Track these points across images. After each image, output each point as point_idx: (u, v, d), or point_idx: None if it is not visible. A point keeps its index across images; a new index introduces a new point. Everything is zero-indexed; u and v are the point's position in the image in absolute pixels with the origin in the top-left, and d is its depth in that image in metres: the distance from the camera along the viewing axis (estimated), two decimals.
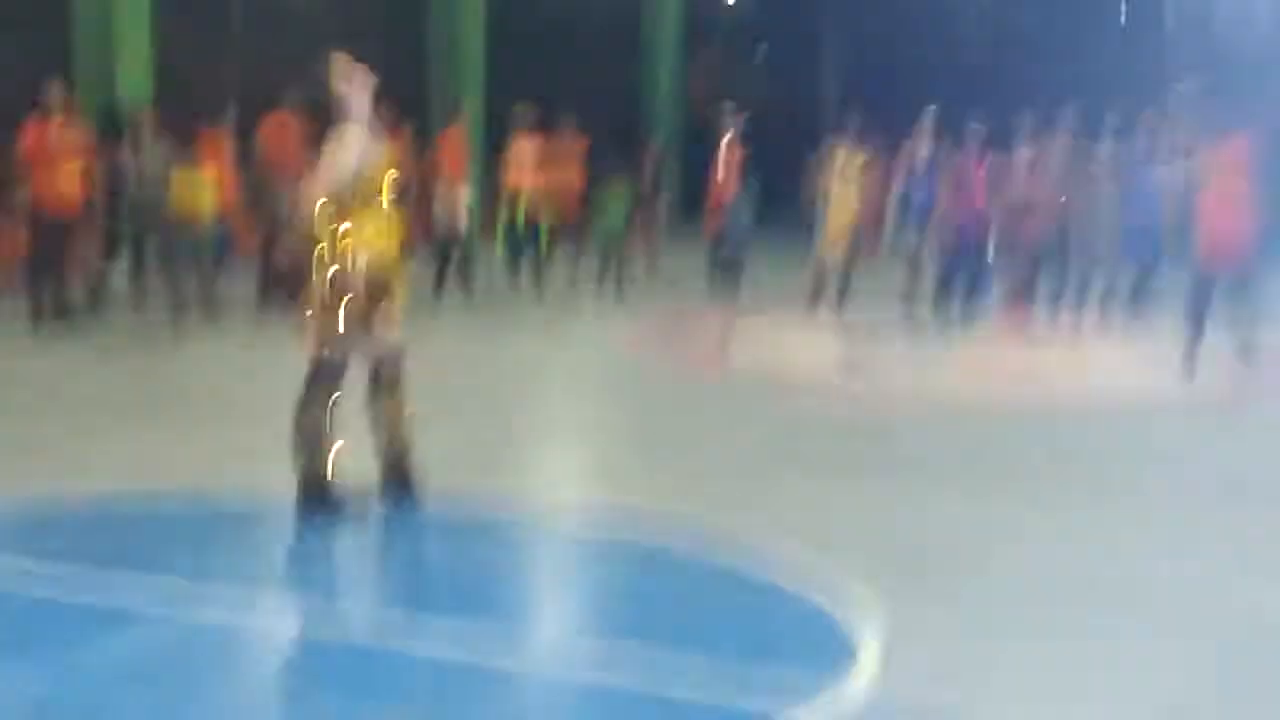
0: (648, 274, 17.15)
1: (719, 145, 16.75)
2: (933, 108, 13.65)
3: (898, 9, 28.50)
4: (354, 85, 6.43)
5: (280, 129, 14.01)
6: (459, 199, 14.70)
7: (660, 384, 10.84)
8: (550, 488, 7.63)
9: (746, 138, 17.00)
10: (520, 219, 15.86)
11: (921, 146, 13.61)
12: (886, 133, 14.63)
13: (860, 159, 13.97)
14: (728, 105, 15.31)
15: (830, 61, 30.31)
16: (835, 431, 8.87)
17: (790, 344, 12.67)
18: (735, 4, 29.38)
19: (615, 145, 19.49)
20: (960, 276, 12.89)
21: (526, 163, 15.83)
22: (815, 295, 13.81)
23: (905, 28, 28.67)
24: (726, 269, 13.96)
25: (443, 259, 14.65)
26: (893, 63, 27.97)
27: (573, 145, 16.62)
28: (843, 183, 13.90)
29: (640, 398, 10.27)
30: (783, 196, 16.86)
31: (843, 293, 13.86)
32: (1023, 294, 13.22)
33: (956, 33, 28.76)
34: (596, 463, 8.30)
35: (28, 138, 11.96)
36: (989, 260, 12.77)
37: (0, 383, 10.04)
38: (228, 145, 13.71)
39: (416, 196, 14.08)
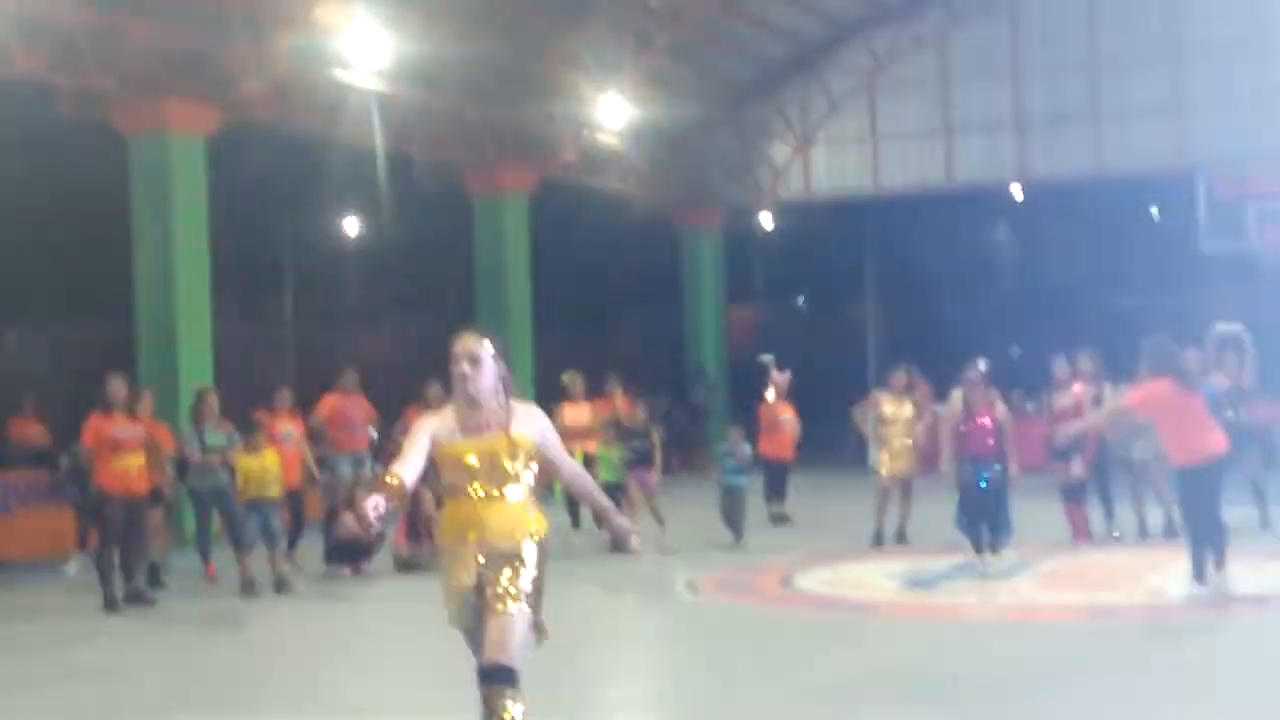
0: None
1: (771, 385, 17.49)
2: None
3: (935, 255, 29.26)
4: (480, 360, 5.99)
5: (338, 406, 14.81)
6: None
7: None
8: None
9: (792, 390, 17.59)
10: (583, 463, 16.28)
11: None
12: (930, 375, 15.17)
13: (907, 405, 14.74)
14: (768, 358, 15.97)
15: (870, 306, 30.96)
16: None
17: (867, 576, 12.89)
18: (773, 257, 30.18)
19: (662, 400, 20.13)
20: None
21: (577, 430, 16.28)
22: (879, 523, 14.71)
23: (943, 273, 29.38)
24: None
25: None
26: (932, 306, 28.61)
27: (623, 408, 17.04)
28: (890, 424, 14.90)
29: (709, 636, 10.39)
30: (826, 440, 17.32)
31: (904, 521, 14.81)
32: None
33: (992, 278, 29.44)
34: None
35: (91, 429, 12.44)
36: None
37: (74, 674, 10.18)
38: (292, 424, 14.26)
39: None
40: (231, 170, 17.89)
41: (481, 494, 5.89)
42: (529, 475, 5.95)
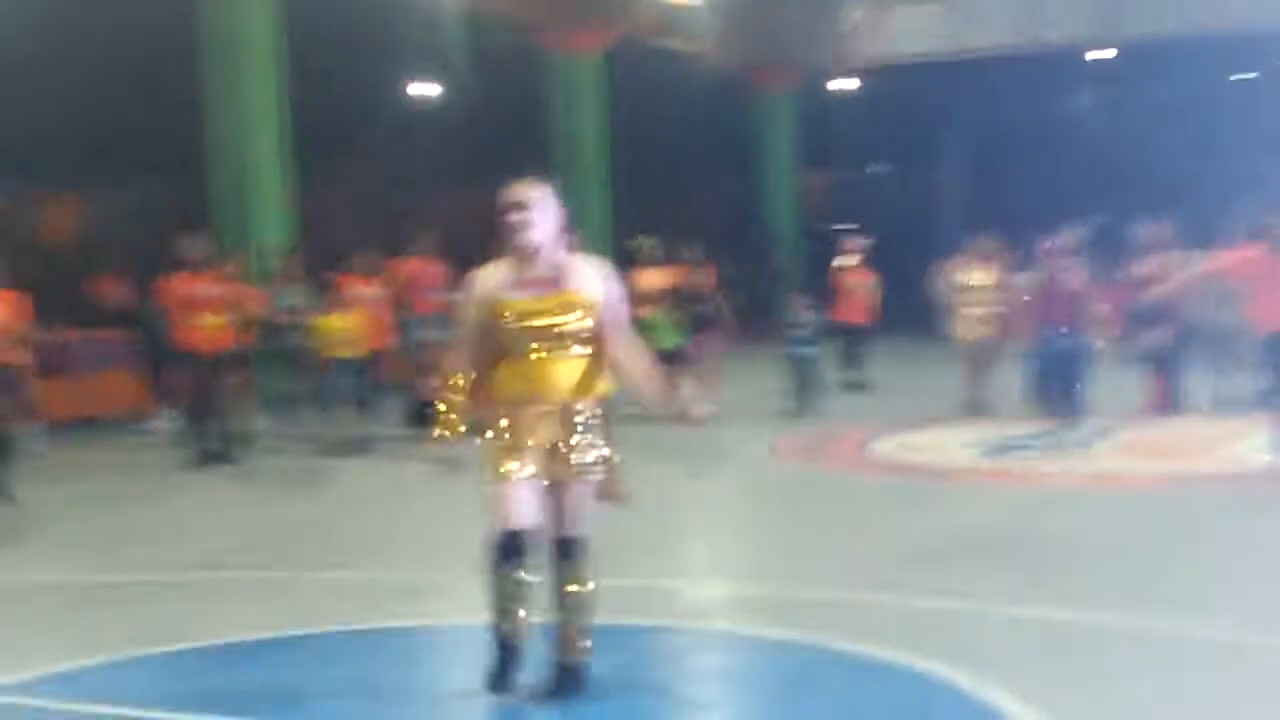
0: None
1: (844, 251, 17.34)
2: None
3: (1018, 120, 28.70)
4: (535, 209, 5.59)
5: (415, 270, 14.82)
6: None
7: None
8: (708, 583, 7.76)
9: (869, 256, 17.44)
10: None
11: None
12: (1007, 242, 14.90)
13: (989, 272, 14.47)
14: (848, 228, 15.80)
15: (949, 172, 30.52)
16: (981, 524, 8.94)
17: (945, 442, 12.84)
18: (850, 122, 29.74)
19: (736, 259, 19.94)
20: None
21: (652, 294, 16.21)
22: (970, 390, 14.52)
23: (1026, 138, 28.83)
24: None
25: None
26: (1014, 172, 28.13)
27: (700, 272, 16.93)
28: (972, 291, 14.66)
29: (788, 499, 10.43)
30: (903, 308, 17.16)
31: (984, 389, 14.54)
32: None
33: (1077, 142, 28.83)
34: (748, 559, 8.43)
35: (177, 287, 12.54)
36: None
37: (158, 527, 10.39)
38: (370, 287, 14.24)
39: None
40: (308, 32, 17.74)
41: (543, 353, 5.55)
42: (594, 332, 5.60)
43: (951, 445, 12.81)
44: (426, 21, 19.96)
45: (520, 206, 5.54)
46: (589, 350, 5.63)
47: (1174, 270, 13.56)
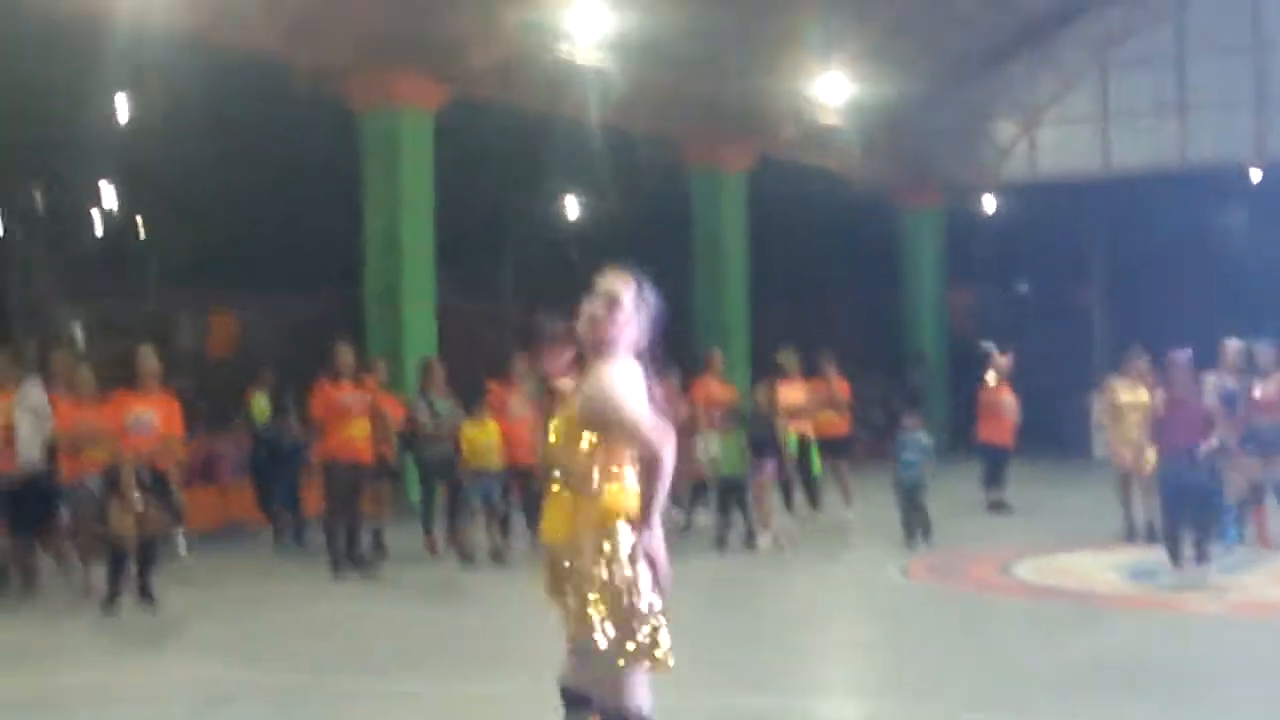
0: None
1: (992, 369, 17.10)
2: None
3: (1165, 240, 28.27)
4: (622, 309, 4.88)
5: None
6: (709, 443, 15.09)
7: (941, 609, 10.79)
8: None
9: (1013, 376, 17.22)
10: (795, 447, 16.25)
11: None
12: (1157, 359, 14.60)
13: (1143, 392, 13.88)
14: (988, 345, 15.43)
15: (1096, 291, 30.12)
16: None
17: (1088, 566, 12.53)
18: (996, 239, 29.54)
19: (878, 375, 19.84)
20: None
21: (792, 409, 16.21)
22: (1128, 515, 13.85)
23: (1173, 258, 28.35)
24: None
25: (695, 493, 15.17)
26: (1161, 292, 27.64)
27: (837, 388, 16.86)
28: (1129, 412, 13.94)
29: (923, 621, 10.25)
30: (1043, 428, 16.89)
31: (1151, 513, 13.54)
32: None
33: (1225, 263, 28.28)
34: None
35: (319, 396, 12.83)
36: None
37: (297, 631, 10.54)
38: (516, 398, 14.35)
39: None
40: (457, 143, 18.23)
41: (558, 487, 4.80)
42: (602, 460, 4.68)
43: (1095, 569, 12.50)
44: (575, 136, 20.35)
45: (603, 299, 4.88)
46: (601, 483, 4.71)
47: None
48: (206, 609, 11.27)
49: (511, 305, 24.68)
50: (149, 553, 11.10)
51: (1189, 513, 11.34)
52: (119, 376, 11.66)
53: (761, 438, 14.24)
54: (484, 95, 18.42)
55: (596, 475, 4.66)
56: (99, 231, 23.44)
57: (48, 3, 14.30)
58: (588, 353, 4.85)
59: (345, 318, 17.65)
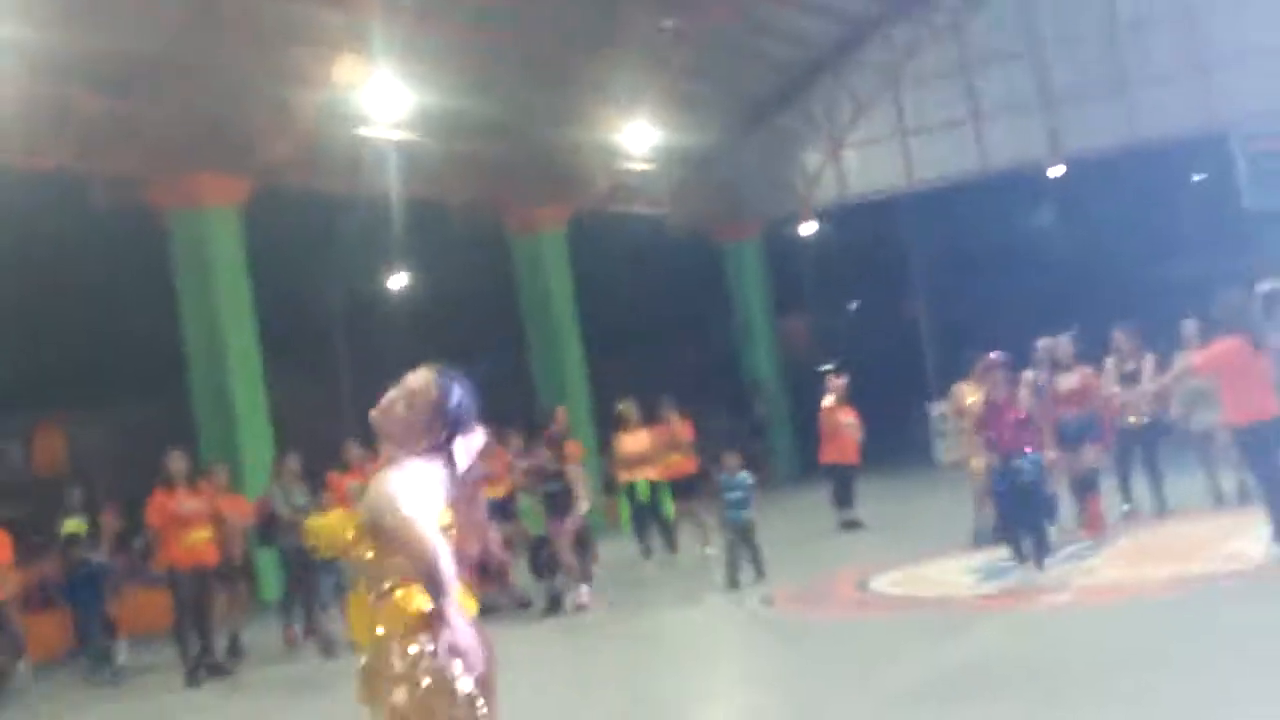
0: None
1: (829, 391, 17.41)
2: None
3: (979, 243, 29.11)
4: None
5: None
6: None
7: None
8: None
9: (852, 394, 17.54)
10: (645, 494, 16.38)
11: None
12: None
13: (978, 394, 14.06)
14: (824, 367, 15.60)
15: (921, 301, 30.81)
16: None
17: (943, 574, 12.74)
18: (817, 264, 30.09)
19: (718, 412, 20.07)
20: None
21: (636, 457, 16.35)
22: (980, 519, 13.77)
23: (989, 260, 29.20)
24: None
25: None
26: (982, 294, 28.43)
27: (680, 431, 17.02)
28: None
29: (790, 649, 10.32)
30: (887, 439, 17.20)
31: None
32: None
33: (1039, 259, 29.23)
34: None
35: (154, 506, 12.55)
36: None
37: None
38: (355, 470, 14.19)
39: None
40: (268, 235, 18.03)
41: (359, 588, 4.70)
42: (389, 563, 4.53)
43: (949, 575, 12.72)
44: (388, 213, 20.26)
45: (396, 391, 4.75)
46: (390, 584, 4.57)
47: (1096, 382, 13.54)
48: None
49: (347, 389, 24.43)
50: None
51: (1022, 511, 11.59)
52: None
53: (555, 495, 13.82)
54: (289, 184, 18.25)
55: (388, 578, 4.53)
56: None
57: None
58: (383, 444, 4.71)
59: (177, 423, 17.30)
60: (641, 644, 11.76)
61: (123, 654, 13.91)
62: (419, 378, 4.75)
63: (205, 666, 12.39)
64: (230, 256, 17.55)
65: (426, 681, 4.42)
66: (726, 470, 13.88)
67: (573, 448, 15.50)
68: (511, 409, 18.30)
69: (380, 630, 4.52)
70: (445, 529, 4.52)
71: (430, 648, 4.42)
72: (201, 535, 12.53)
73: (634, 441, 16.67)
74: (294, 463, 13.79)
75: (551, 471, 13.97)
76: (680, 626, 12.48)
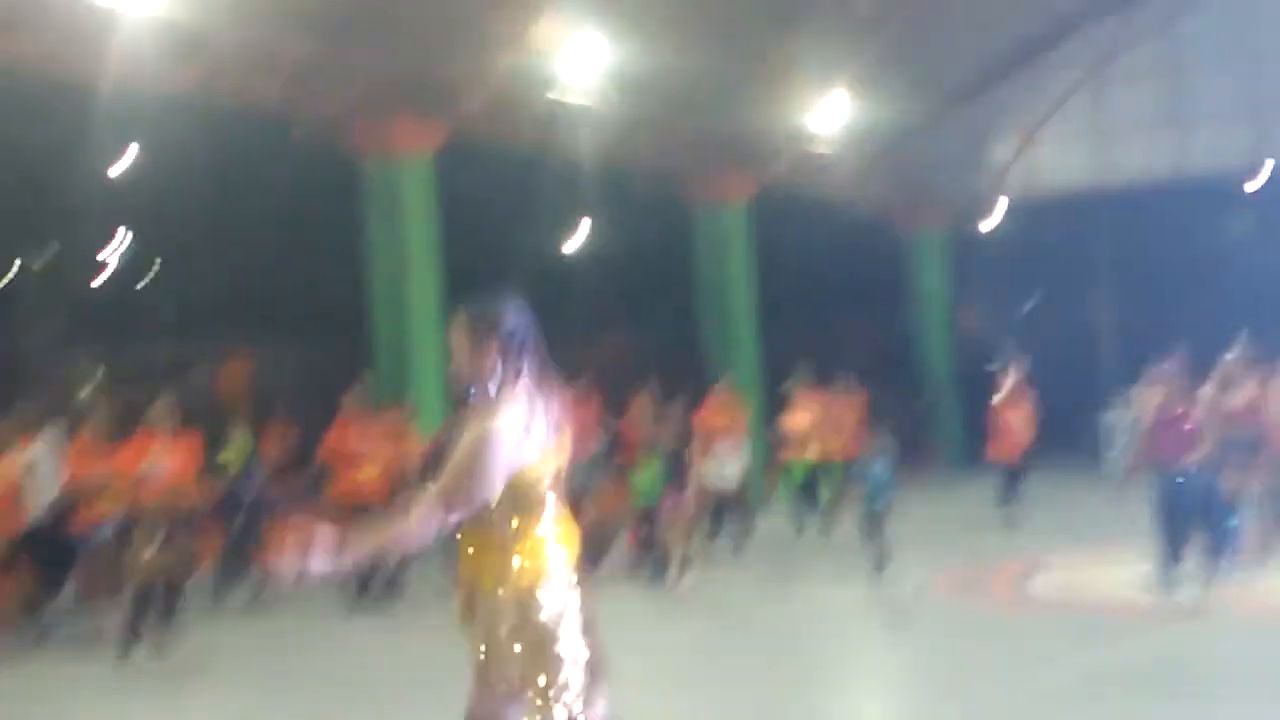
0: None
1: (999, 387, 17.21)
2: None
3: (1167, 250, 28.37)
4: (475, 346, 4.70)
5: (573, 402, 15.05)
6: (729, 457, 15.24)
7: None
8: None
9: (1030, 378, 17.33)
10: (803, 473, 16.42)
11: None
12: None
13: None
14: (996, 363, 15.43)
15: (1102, 302, 30.19)
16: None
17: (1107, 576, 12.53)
18: (1002, 258, 29.64)
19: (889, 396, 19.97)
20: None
21: (800, 435, 16.39)
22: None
23: (1176, 268, 28.44)
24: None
25: (717, 514, 15.16)
26: (1166, 301, 27.71)
27: (851, 400, 17.07)
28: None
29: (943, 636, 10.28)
30: (1058, 441, 16.93)
31: None
32: None
33: (1228, 270, 28.35)
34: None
35: (328, 440, 12.94)
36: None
37: (317, 679, 10.61)
38: None
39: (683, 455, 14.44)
40: (457, 187, 18.37)
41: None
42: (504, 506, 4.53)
43: (1113, 581, 12.52)
44: (574, 175, 20.49)
45: (458, 334, 4.75)
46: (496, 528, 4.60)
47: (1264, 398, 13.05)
48: (227, 650, 11.36)
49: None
50: (168, 599, 11.17)
51: (1190, 523, 11.19)
52: (132, 425, 11.75)
53: (674, 468, 13.77)
54: (482, 137, 18.56)
55: (503, 518, 4.53)
56: (109, 284, 23.70)
57: (46, 65, 14.45)
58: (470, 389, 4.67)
59: (356, 363, 17.75)
60: (785, 624, 11.79)
61: (269, 583, 14.04)
62: (474, 308, 4.74)
63: (365, 599, 12.73)
64: (420, 203, 17.90)
65: (531, 620, 4.48)
66: (864, 459, 13.49)
67: (724, 419, 15.62)
68: (680, 378, 18.46)
69: (490, 564, 4.54)
70: (541, 470, 4.57)
71: (539, 591, 4.48)
72: (370, 473, 12.87)
73: (799, 419, 16.74)
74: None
75: (672, 444, 13.90)
76: (835, 607, 12.47)
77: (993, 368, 18.32)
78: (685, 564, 13.42)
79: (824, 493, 16.48)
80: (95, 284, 23.37)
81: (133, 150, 18.95)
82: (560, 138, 19.17)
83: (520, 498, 4.52)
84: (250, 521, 14.18)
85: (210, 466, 14.29)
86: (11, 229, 20.58)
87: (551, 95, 18.40)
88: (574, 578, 4.60)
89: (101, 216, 21.43)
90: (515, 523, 4.51)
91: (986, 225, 28.05)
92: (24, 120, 15.76)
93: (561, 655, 4.47)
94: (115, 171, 19.14)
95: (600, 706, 4.58)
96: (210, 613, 13.05)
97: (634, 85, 19.17)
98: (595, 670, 4.57)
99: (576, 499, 13.75)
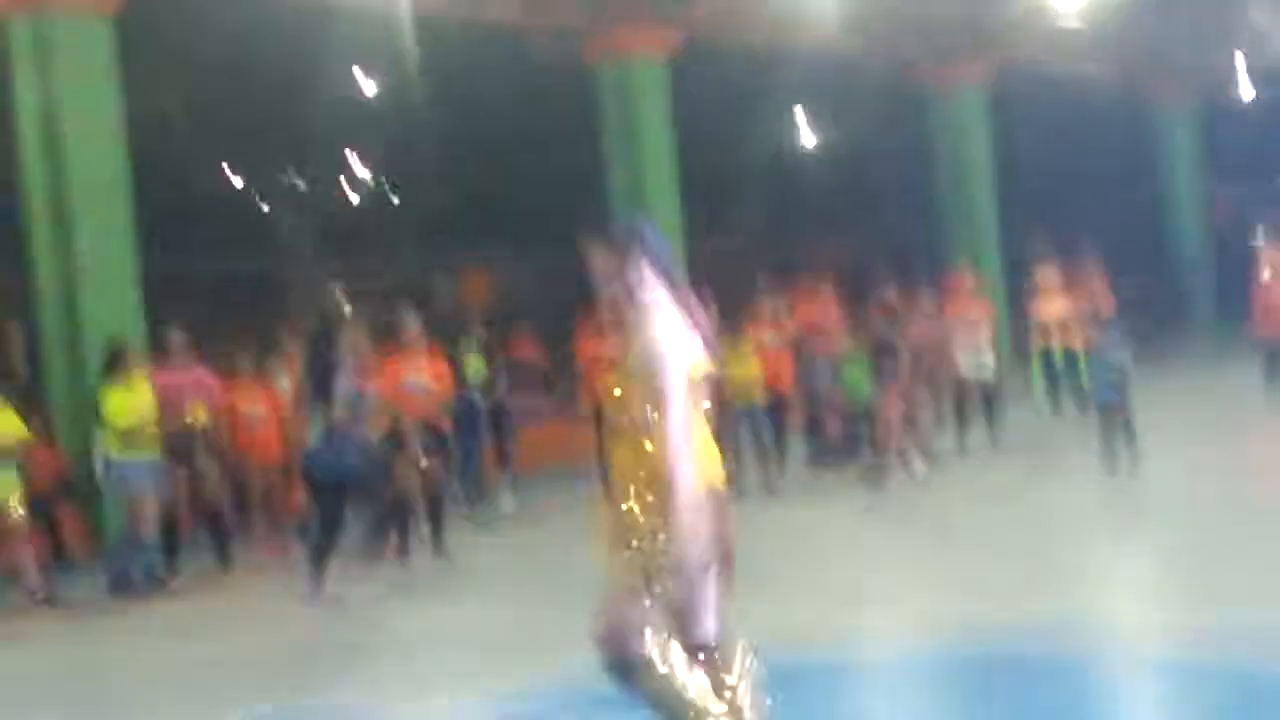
0: None
1: (1264, 264, 16.46)
2: None
3: None
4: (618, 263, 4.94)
5: (813, 300, 14.99)
6: (980, 341, 15.00)
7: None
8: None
9: None
10: (1054, 348, 16.08)
11: None
12: None
13: None
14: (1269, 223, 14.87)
15: None
16: None
17: None
18: (1257, 129, 28.19)
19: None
20: None
21: (1053, 323, 15.99)
22: None
23: None
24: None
25: (960, 402, 14.95)
26: None
27: (1096, 273, 16.60)
28: None
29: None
30: None
31: None
32: None
33: None
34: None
35: (584, 347, 13.11)
36: None
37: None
38: (773, 331, 14.41)
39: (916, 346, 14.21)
40: (691, 89, 18.29)
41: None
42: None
43: None
44: (806, 67, 20.16)
45: (595, 260, 5.02)
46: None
47: None
48: (503, 555, 11.72)
49: (758, 238, 24.64)
50: (436, 509, 11.51)
51: None
52: (382, 343, 12.07)
53: (883, 362, 13.43)
54: (712, 37, 18.40)
55: (646, 434, 4.64)
56: (352, 204, 24.37)
57: None
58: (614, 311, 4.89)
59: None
60: (1027, 509, 11.54)
61: (508, 499, 14.26)
62: (616, 228, 5.05)
63: None
64: (656, 109, 17.91)
65: (655, 544, 4.58)
66: (1098, 346, 12.89)
67: (970, 309, 15.32)
68: (919, 268, 18.14)
69: (630, 486, 4.67)
70: (701, 378, 4.75)
71: (666, 514, 4.57)
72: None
73: (1051, 307, 16.29)
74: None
75: (883, 339, 13.64)
76: (1098, 493, 12.14)
77: (1255, 244, 17.51)
78: (908, 458, 13.35)
79: (1082, 381, 16.01)
80: (341, 204, 24.07)
81: (373, 71, 19.37)
82: (793, 30, 18.84)
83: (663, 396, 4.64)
84: (497, 432, 14.42)
85: (457, 380, 14.67)
86: (260, 153, 21.31)
87: None
88: (707, 486, 4.70)
89: (346, 135, 22.00)
90: (654, 416, 4.63)
91: (1241, 94, 26.63)
92: (271, 41, 16.19)
93: (680, 550, 4.58)
94: (356, 93, 19.60)
95: (709, 621, 4.74)
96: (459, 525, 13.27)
97: None
98: (713, 580, 4.72)
99: (824, 394, 13.88)
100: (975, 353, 15.07)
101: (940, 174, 23.11)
